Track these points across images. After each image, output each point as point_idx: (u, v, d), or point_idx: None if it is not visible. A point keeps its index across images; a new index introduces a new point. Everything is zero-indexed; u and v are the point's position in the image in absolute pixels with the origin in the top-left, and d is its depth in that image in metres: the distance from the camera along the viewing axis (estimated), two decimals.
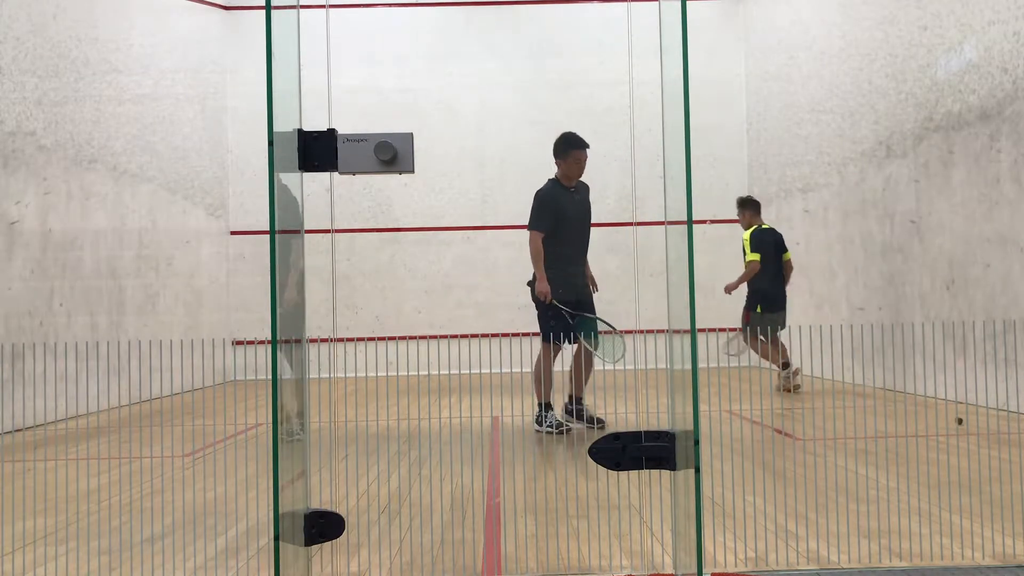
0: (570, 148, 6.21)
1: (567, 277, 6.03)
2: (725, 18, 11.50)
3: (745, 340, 8.31)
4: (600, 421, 5.92)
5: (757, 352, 8.45)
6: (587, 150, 6.23)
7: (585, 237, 6.25)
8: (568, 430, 5.79)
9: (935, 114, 7.23)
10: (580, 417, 6.00)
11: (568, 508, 3.59)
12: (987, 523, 3.17)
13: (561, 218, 6.09)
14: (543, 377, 5.90)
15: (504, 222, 11.39)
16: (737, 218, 8.99)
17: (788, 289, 8.72)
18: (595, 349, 5.95)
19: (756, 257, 8.33)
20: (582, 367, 6.04)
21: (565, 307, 5.92)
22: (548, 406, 5.88)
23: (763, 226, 8.51)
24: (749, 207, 8.56)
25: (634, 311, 10.77)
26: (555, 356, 6.02)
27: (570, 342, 5.93)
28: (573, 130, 12.15)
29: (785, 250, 8.56)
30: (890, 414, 6.21)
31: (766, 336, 8.17)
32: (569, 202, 6.18)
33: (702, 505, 2.12)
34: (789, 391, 7.80)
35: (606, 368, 6.01)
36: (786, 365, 8.04)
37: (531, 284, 6.05)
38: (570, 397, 6.09)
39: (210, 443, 5.73)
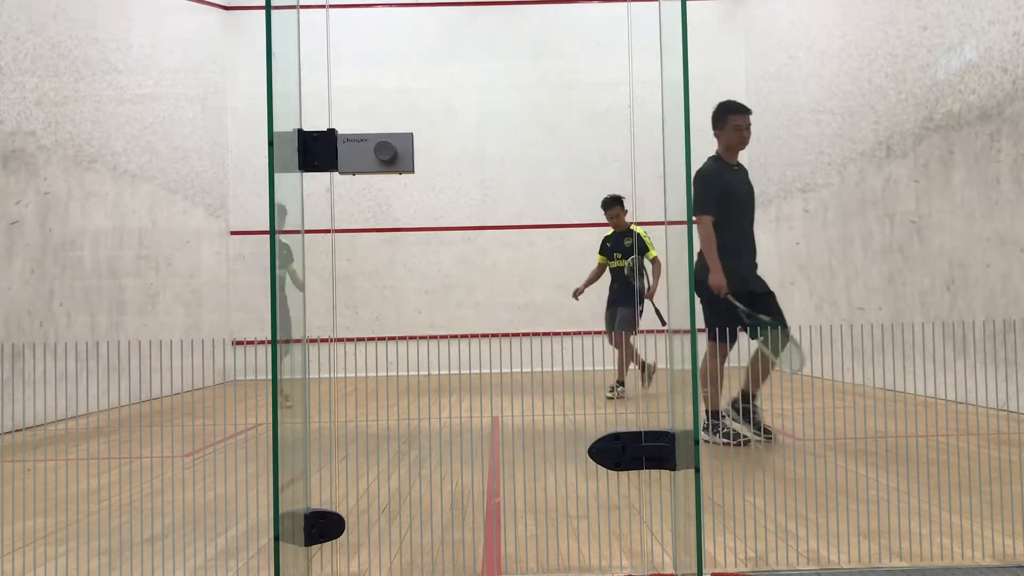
0: (727, 114, 5.36)
1: (739, 269, 5.27)
2: (725, 18, 11.51)
3: (630, 342, 8.05)
4: (768, 432, 5.16)
5: (633, 356, 8.05)
6: (749, 115, 5.38)
7: (752, 225, 5.48)
8: (746, 441, 5.06)
9: (935, 114, 7.23)
10: (748, 419, 5.20)
11: (568, 508, 3.59)
12: (987, 523, 3.17)
13: (730, 199, 5.29)
14: (711, 380, 5.17)
15: (504, 222, 11.41)
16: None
17: (792, 286, 8.72)
18: (774, 355, 5.08)
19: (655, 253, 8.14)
20: (759, 365, 5.26)
21: (740, 304, 5.20)
22: (717, 413, 5.19)
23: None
24: (623, 205, 8.19)
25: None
26: (724, 357, 5.29)
27: (752, 337, 5.21)
28: (573, 130, 12.05)
29: None
30: (890, 414, 6.21)
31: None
32: (733, 181, 5.35)
33: (702, 505, 2.11)
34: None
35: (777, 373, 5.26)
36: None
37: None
38: (743, 394, 5.27)
39: (210, 443, 5.73)
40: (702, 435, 5.04)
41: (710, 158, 5.43)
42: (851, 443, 5.06)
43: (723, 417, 5.18)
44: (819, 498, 3.63)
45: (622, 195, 8.19)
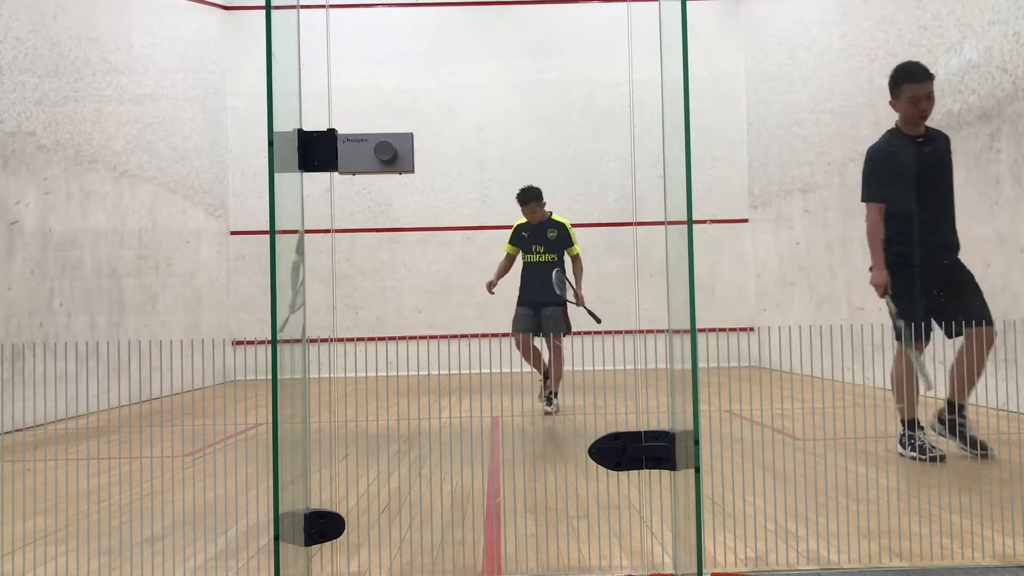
0: (900, 83, 4.55)
1: (916, 262, 4.52)
2: (725, 18, 11.51)
3: (551, 345, 7.15)
4: (984, 446, 4.40)
5: (545, 363, 7.18)
6: (929, 82, 4.52)
7: (947, 204, 4.59)
8: (942, 457, 4.40)
9: (935, 114, 7.22)
10: (955, 433, 4.49)
11: (568, 508, 3.59)
12: (987, 523, 3.17)
13: (902, 180, 4.54)
14: (901, 385, 4.53)
15: (504, 222, 11.37)
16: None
17: (792, 286, 8.58)
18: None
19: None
20: (963, 369, 4.49)
21: (896, 304, 4.52)
22: (913, 423, 4.50)
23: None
24: (542, 198, 7.30)
25: (634, 311, 10.77)
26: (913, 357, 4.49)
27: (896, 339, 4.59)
28: (573, 130, 11.66)
29: None
30: (890, 414, 6.20)
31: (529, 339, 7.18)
32: (914, 156, 4.52)
33: (702, 505, 2.12)
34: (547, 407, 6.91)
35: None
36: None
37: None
38: (948, 404, 4.54)
39: (210, 443, 5.73)
40: (899, 448, 4.52)
41: (887, 131, 4.68)
42: (851, 443, 5.06)
43: (917, 429, 4.48)
44: (819, 498, 3.63)
45: (540, 188, 7.36)
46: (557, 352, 7.06)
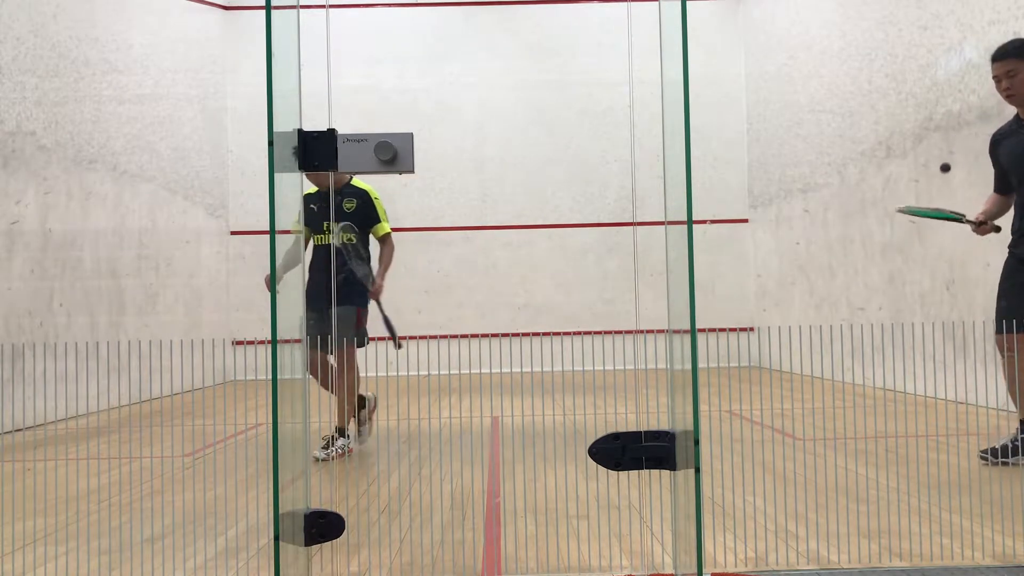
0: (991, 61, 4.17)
1: None
2: (725, 18, 11.51)
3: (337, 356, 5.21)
4: None
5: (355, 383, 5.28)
6: (1007, 60, 4.06)
7: None
8: None
9: (935, 114, 7.23)
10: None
11: (568, 508, 3.59)
12: (987, 523, 3.17)
13: (1014, 172, 4.18)
14: (1013, 385, 4.04)
15: (504, 222, 11.40)
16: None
17: (792, 286, 8.41)
18: None
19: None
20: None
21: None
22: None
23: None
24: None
25: (634, 311, 10.77)
26: None
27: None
28: (573, 130, 11.52)
29: None
30: (890, 414, 6.20)
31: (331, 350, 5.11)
32: (1016, 141, 4.14)
33: (702, 505, 2.11)
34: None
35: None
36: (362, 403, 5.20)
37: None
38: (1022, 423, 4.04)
39: (210, 443, 5.73)
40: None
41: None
42: (851, 443, 5.06)
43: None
44: (819, 498, 3.63)
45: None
46: (346, 368, 5.19)
